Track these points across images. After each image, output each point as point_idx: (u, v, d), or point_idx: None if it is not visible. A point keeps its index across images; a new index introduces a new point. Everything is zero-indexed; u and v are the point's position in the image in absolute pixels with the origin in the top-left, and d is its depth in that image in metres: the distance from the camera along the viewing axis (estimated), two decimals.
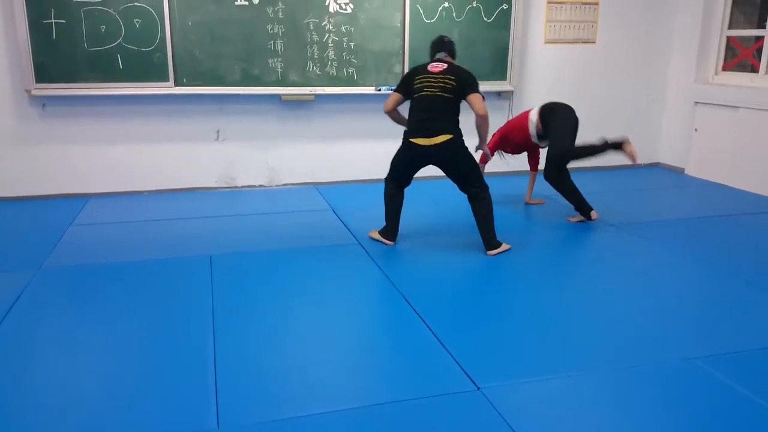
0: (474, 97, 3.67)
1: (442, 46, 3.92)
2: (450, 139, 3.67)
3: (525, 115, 4.70)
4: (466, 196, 3.91)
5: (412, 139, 3.74)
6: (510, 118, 5.96)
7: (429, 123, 3.69)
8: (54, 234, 4.16)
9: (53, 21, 4.69)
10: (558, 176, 4.43)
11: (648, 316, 3.02)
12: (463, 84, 3.69)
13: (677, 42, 6.25)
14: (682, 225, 4.51)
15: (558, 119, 4.49)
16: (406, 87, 3.85)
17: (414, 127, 3.76)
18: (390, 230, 4.03)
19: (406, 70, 5.42)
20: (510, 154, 5.01)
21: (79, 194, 5.16)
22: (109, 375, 2.47)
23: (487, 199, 3.82)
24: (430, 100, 3.69)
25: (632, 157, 4.37)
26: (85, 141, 5.10)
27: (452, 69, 3.76)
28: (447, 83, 3.68)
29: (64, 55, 4.77)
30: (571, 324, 2.93)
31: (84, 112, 5.04)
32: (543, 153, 4.75)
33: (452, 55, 3.94)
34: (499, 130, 4.84)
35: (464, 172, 3.78)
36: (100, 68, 4.86)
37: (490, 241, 3.85)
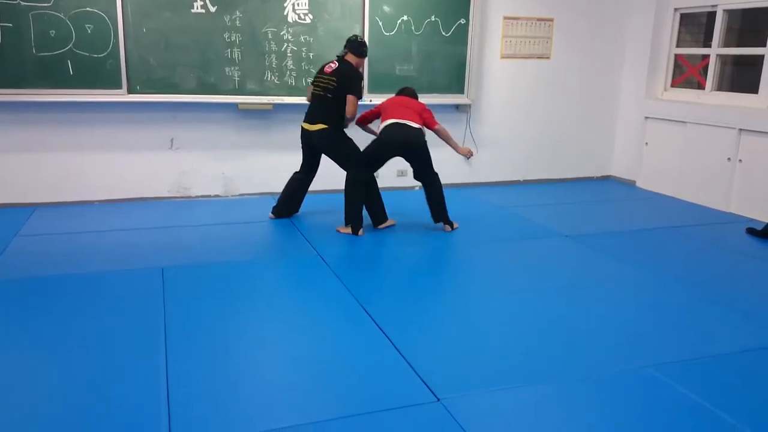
0: (348, 98, 4.34)
1: (348, 44, 4.48)
2: (325, 128, 4.43)
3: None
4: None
5: (302, 123, 4.56)
6: (468, 131, 6.04)
7: (313, 113, 4.49)
8: None
9: None
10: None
11: (603, 326, 3.07)
12: (343, 85, 4.34)
13: (628, 59, 6.45)
14: (634, 236, 4.61)
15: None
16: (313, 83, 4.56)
17: (306, 115, 4.56)
18: (280, 210, 4.78)
19: (366, 82, 5.43)
20: None
21: (25, 204, 4.96)
22: (54, 393, 2.35)
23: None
24: (318, 98, 4.46)
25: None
26: (32, 149, 4.91)
27: (339, 70, 4.38)
28: (330, 84, 4.38)
29: (10, 60, 4.59)
30: (529, 334, 2.95)
31: (31, 119, 4.85)
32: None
33: (356, 52, 4.45)
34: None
35: (338, 158, 4.56)
36: (48, 74, 4.69)
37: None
